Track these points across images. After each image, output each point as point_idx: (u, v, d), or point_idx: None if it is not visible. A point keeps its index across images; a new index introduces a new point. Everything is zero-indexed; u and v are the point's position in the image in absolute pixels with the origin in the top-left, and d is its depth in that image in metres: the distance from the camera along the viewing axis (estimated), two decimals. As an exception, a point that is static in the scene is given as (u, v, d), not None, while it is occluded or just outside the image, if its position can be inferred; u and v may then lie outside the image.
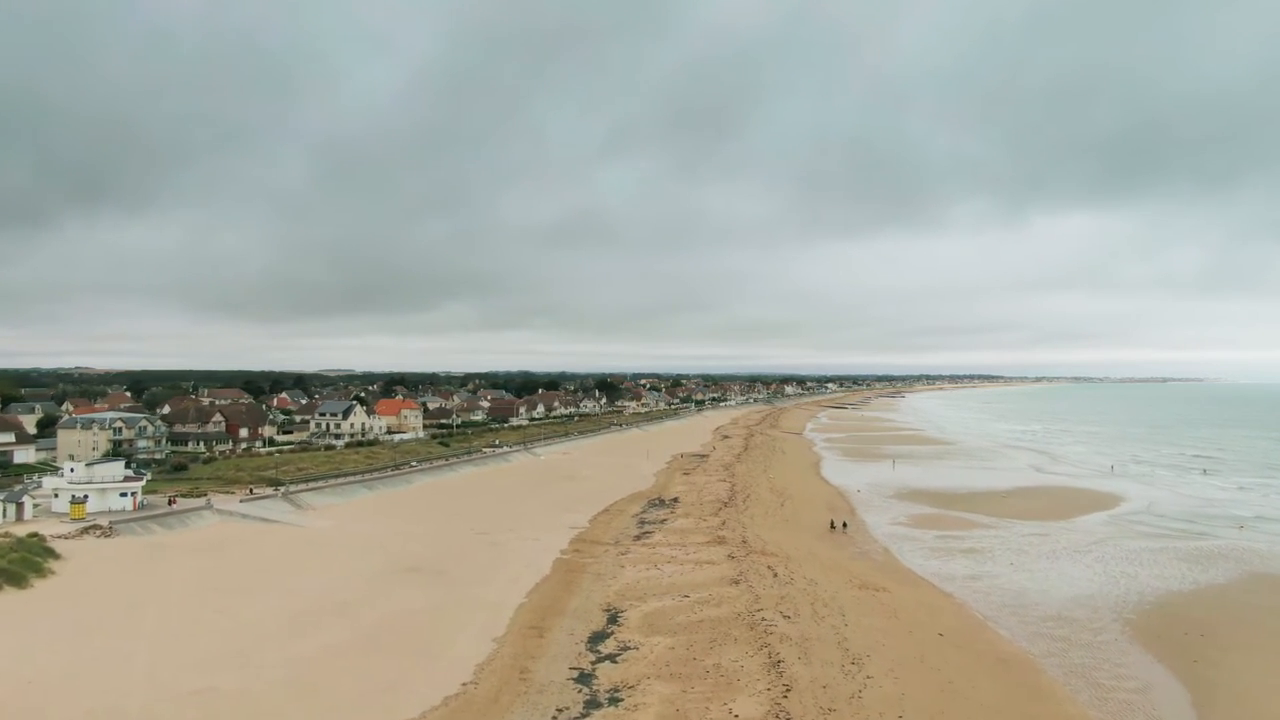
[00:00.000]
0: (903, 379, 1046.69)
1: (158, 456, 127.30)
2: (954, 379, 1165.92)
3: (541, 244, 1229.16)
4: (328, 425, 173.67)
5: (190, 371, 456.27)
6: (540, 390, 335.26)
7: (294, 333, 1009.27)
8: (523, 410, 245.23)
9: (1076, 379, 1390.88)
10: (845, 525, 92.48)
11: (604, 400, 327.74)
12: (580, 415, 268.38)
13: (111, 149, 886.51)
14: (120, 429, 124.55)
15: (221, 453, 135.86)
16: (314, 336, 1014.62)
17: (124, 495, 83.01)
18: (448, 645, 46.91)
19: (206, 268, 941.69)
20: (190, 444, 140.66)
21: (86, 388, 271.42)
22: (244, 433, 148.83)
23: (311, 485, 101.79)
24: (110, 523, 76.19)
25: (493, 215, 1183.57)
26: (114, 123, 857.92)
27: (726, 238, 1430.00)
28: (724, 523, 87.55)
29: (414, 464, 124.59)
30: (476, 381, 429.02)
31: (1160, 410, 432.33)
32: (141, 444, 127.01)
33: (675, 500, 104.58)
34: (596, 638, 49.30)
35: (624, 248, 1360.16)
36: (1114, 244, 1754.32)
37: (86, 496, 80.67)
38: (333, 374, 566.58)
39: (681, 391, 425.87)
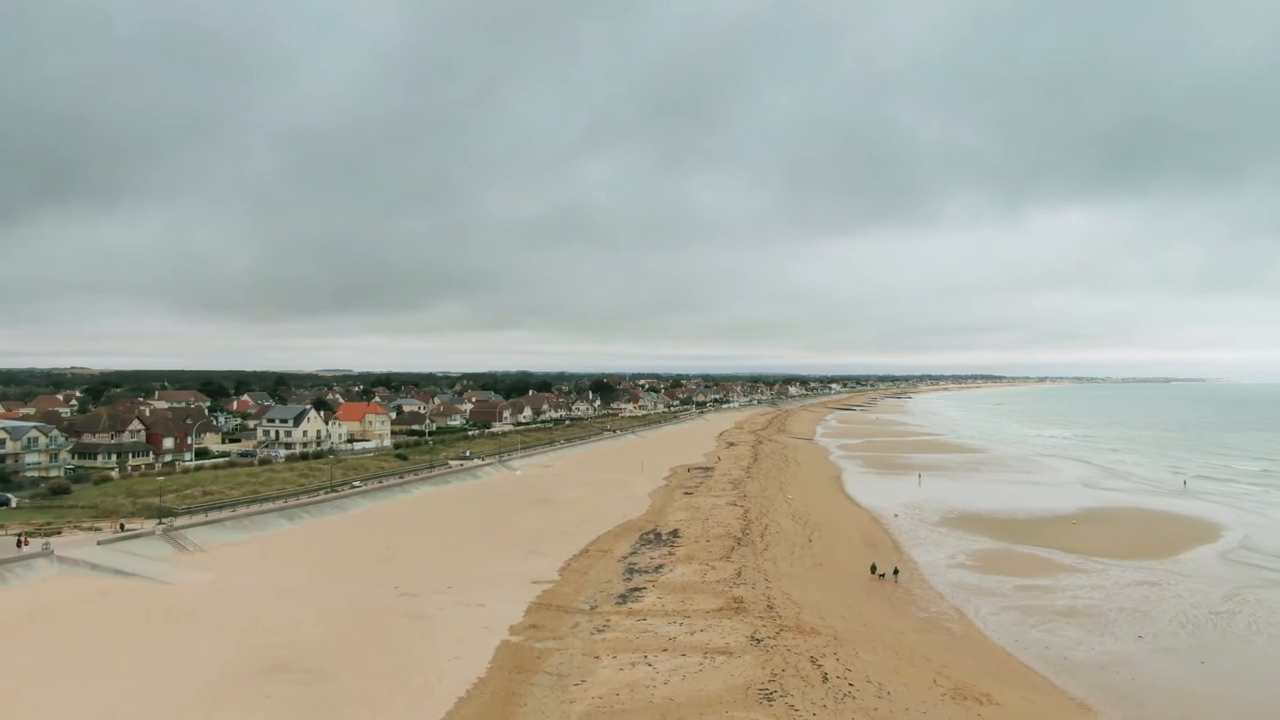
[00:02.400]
0: (905, 379, 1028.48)
1: (53, 473, 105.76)
2: (957, 379, 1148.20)
3: (530, 241, 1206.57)
4: (276, 433, 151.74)
5: (182, 372, 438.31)
6: (531, 392, 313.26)
7: (292, 332, 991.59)
8: (507, 414, 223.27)
9: (1079, 379, 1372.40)
10: (897, 572, 70.73)
11: (598, 403, 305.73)
12: (571, 419, 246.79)
13: (67, 143, 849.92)
14: (2, 441, 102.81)
15: (136, 468, 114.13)
16: (312, 336, 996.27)
17: (-74, 539, 61.29)
18: None
19: (191, 266, 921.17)
20: (100, 457, 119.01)
21: (32, 389, 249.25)
22: (169, 443, 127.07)
23: (212, 517, 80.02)
24: (-113, 582, 54.48)
25: (477, 211, 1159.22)
26: (63, 115, 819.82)
27: (718, 234, 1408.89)
28: (739, 573, 65.81)
29: (357, 483, 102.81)
30: (465, 382, 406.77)
31: (1179, 412, 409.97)
32: (31, 459, 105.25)
33: (675, 535, 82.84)
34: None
35: (615, 245, 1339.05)
36: (1112, 241, 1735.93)
37: None
38: (328, 374, 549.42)
39: (681, 393, 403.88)
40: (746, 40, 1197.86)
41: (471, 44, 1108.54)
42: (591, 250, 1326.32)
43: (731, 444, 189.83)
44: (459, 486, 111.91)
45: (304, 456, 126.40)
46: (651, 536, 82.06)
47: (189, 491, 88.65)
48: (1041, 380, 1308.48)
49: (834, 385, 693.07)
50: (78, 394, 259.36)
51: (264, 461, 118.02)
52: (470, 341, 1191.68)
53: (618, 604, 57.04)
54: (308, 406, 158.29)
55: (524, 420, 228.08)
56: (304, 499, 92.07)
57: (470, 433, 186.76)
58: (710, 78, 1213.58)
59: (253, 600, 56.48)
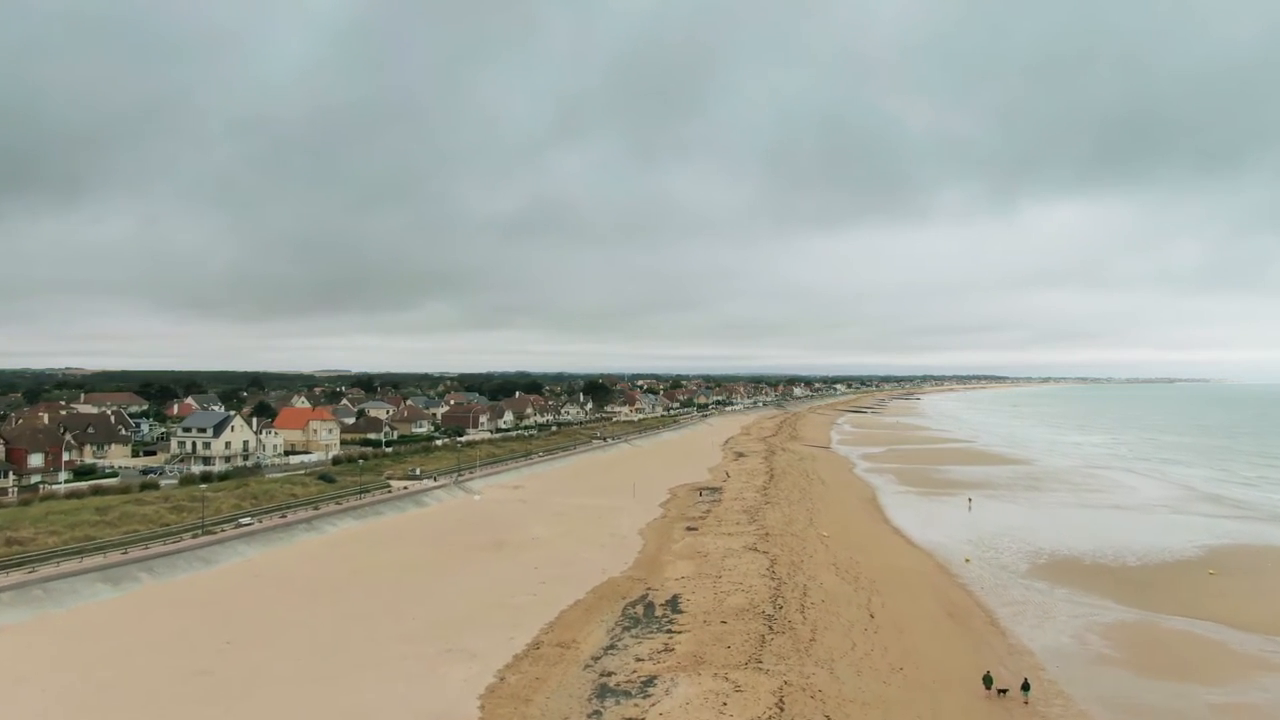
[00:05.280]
0: (909, 380, 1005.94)
1: None
2: (962, 380, 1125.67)
3: (511, 237, 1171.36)
4: (193, 445, 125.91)
5: (174, 373, 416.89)
6: (517, 394, 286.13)
7: (285, 332, 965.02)
8: (484, 420, 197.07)
9: (1083, 380, 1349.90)
10: (1026, 688, 44.65)
11: (590, 405, 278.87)
12: (559, 425, 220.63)
13: (16, 132, 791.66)
14: None
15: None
16: (305, 336, 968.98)
17: None
18: None
19: (171, 263, 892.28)
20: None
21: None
22: (37, 460, 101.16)
23: (-11, 583, 54.05)
24: None
25: (452, 205, 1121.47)
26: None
27: (703, 230, 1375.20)
28: (780, 699, 39.83)
29: (247, 520, 76.76)
30: (447, 383, 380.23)
31: (1197, 415, 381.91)
32: None
33: (674, 605, 56.88)
34: None
35: (600, 241, 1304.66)
36: (1109, 237, 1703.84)
37: None
38: (323, 375, 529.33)
39: (682, 394, 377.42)
40: (718, 20, 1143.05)
41: (428, 25, 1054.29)
42: (576, 246, 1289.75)
43: (740, 455, 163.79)
44: (392, 521, 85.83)
45: (205, 478, 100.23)
46: (640, 610, 56.10)
47: (-10, 538, 62.65)
48: (1045, 380, 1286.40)
49: (839, 386, 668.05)
50: (16, 396, 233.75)
51: (147, 486, 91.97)
52: (465, 341, 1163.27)
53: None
54: (231, 413, 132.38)
55: (504, 426, 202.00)
56: (156, 547, 66.10)
57: (438, 441, 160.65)
58: (681, 62, 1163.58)
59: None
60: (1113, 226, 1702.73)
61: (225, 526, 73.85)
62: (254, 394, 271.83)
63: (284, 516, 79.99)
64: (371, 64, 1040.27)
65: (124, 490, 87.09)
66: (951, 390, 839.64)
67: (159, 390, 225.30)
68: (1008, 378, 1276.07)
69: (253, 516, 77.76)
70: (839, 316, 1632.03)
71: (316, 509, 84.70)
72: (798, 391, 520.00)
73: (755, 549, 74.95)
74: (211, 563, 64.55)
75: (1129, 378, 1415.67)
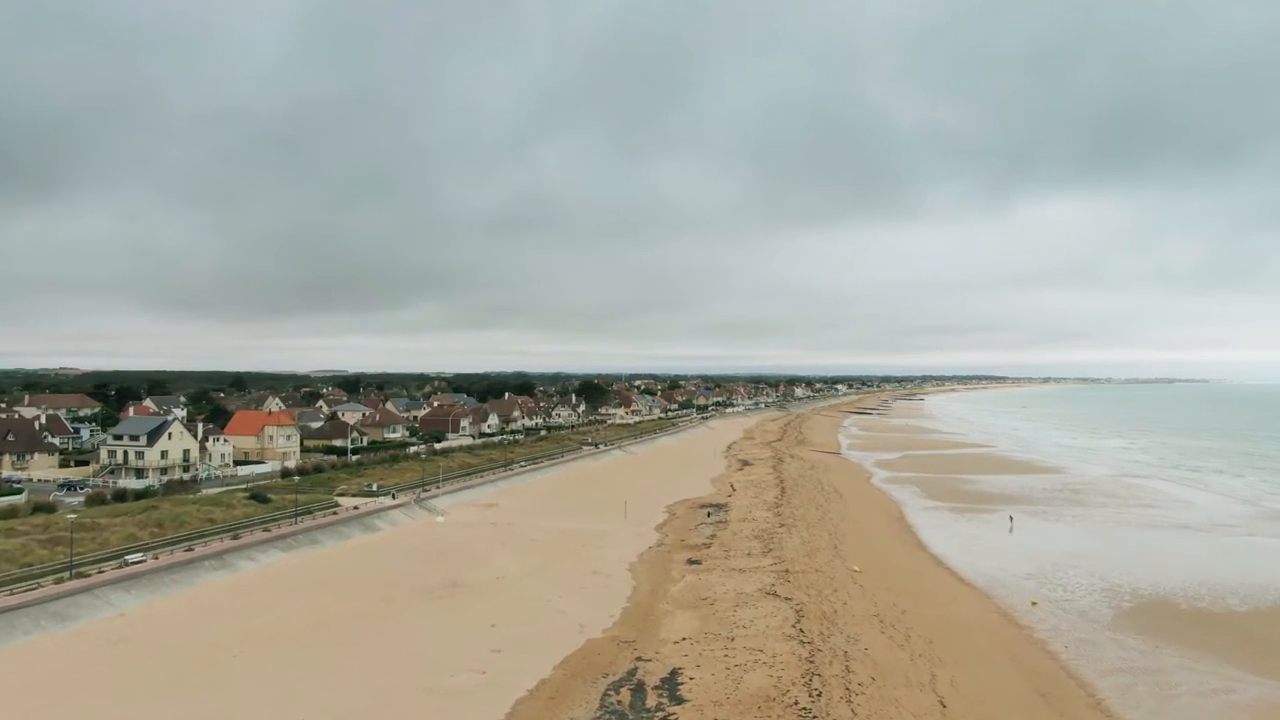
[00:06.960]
0: (910, 380, 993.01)
1: None
2: (962, 380, 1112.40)
3: (498, 235, 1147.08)
4: (126, 454, 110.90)
5: (167, 372, 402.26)
6: (506, 395, 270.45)
7: (280, 332, 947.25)
8: (466, 424, 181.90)
9: (1083, 380, 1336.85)
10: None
11: (583, 407, 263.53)
12: (549, 429, 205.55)
13: None
14: None
15: None
16: (303, 336, 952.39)
17: None
18: None
19: (156, 262, 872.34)
20: None
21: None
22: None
23: None
24: None
25: (437, 202, 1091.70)
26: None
27: (692, 227, 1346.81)
28: None
29: (137, 557, 61.32)
30: (436, 383, 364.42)
31: (1209, 417, 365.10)
32: None
33: (672, 687, 41.67)
34: None
35: (590, 239, 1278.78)
36: (1106, 233, 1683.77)
37: None
38: (319, 375, 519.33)
39: (680, 395, 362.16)
40: (700, 9, 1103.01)
41: (398, 13, 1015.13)
42: (566, 244, 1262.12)
43: (746, 463, 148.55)
44: (328, 552, 70.54)
45: (119, 496, 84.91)
46: (626, 696, 40.88)
47: None
48: (1046, 380, 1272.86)
49: (840, 386, 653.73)
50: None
51: (41, 507, 76.66)
52: (461, 342, 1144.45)
53: None
54: (168, 418, 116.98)
55: (488, 430, 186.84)
56: (0, 598, 50.78)
57: (411, 449, 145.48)
58: (663, 52, 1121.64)
59: None
60: (1110, 223, 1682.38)
61: (107, 565, 58.60)
62: (232, 395, 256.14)
63: (190, 550, 64.59)
64: (344, 55, 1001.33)
65: (6, 514, 71.72)
66: (953, 390, 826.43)
67: (119, 391, 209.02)
68: (1008, 378, 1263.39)
69: (145, 551, 62.37)
70: (835, 316, 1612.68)
71: (236, 538, 69.34)
72: (799, 392, 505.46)
73: (774, 593, 59.78)
74: (68, 620, 49.32)
75: (1129, 378, 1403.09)
